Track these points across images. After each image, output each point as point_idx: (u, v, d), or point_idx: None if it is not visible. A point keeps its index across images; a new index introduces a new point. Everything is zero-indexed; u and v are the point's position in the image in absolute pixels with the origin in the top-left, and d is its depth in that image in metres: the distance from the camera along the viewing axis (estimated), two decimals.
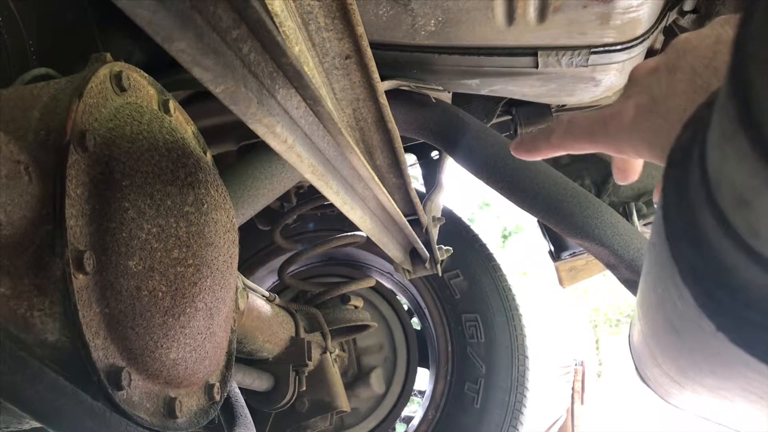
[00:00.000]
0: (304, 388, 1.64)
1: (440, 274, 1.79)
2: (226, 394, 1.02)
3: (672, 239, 0.35)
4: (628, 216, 1.98)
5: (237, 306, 1.20)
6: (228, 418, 1.07)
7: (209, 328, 0.91)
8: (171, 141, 0.89)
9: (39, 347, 0.73)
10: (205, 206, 0.89)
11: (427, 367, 2.28)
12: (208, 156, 1.05)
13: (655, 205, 0.44)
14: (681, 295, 0.34)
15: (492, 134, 1.50)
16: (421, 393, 2.36)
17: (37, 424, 0.89)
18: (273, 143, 0.74)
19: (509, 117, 1.82)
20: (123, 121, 0.84)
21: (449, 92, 1.58)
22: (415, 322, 2.40)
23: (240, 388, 1.25)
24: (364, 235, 1.79)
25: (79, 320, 0.72)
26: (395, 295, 2.37)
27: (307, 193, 2.00)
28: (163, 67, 1.47)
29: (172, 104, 0.98)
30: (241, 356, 1.45)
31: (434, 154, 1.91)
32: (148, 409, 0.82)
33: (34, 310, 0.73)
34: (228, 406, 1.08)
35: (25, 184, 0.71)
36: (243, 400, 1.13)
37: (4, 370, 0.64)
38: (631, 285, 1.41)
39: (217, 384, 0.99)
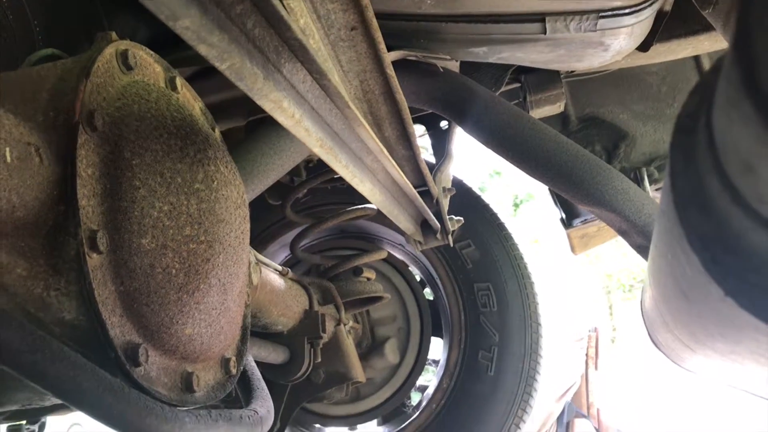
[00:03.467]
0: (320, 360, 1.66)
1: (451, 245, 1.79)
2: (242, 367, 1.04)
3: (680, 206, 0.35)
4: (639, 181, 1.97)
5: (250, 281, 1.21)
6: (245, 392, 1.09)
7: (223, 303, 0.92)
8: (179, 118, 0.89)
9: (57, 326, 0.74)
10: (215, 183, 0.89)
11: (441, 337, 2.30)
12: (217, 132, 1.05)
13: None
14: (689, 261, 0.35)
15: (501, 102, 1.49)
16: (435, 362, 2.37)
17: (57, 401, 0.91)
18: (280, 118, 0.74)
19: (518, 84, 1.80)
20: (131, 100, 0.84)
21: (457, 61, 1.56)
22: (428, 293, 2.41)
23: (256, 362, 1.26)
24: (375, 207, 1.79)
25: (95, 298, 0.73)
26: (407, 266, 2.38)
27: (316, 167, 2.00)
28: (168, 44, 1.47)
29: (179, 81, 0.98)
30: (256, 330, 1.47)
31: (443, 124, 1.90)
32: (165, 384, 0.83)
33: (51, 290, 0.74)
34: (245, 380, 1.09)
35: (37, 166, 0.71)
36: (259, 374, 1.14)
37: (25, 349, 0.65)
38: (644, 251, 1.41)
39: (233, 358, 1.00)
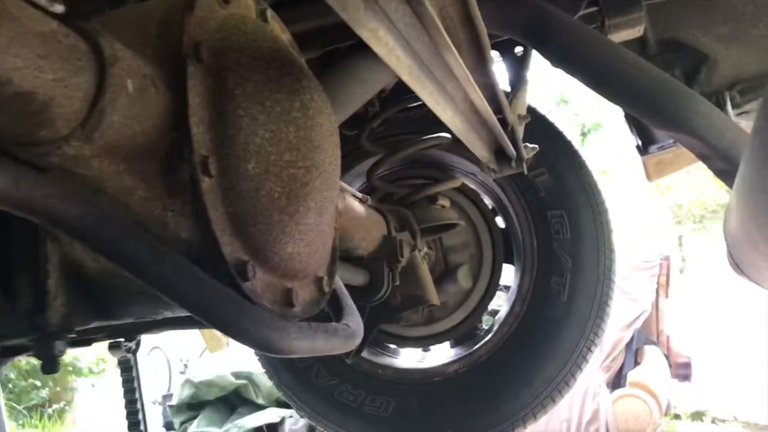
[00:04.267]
0: (397, 284, 1.73)
1: (526, 173, 1.81)
2: (333, 286, 1.11)
3: None
4: (721, 106, 1.91)
5: (336, 206, 1.26)
6: (335, 309, 1.16)
7: (319, 225, 0.98)
8: (275, 49, 0.93)
9: (174, 244, 0.81)
10: (311, 111, 0.94)
11: (513, 264, 2.33)
12: (303, 62, 1.09)
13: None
14: None
15: (580, 26, 1.47)
16: (507, 288, 2.42)
17: (170, 314, 1.00)
18: (376, 47, 0.77)
19: (596, 8, 1.76)
20: (230, 32, 0.89)
21: None
22: (500, 221, 2.44)
23: None
24: (449, 136, 1.81)
25: (209, 219, 0.79)
26: (479, 195, 2.40)
27: (390, 97, 2.02)
28: None
29: (269, 13, 1.02)
30: (339, 254, 1.54)
31: (518, 50, 1.88)
32: (269, 298, 0.90)
33: (168, 211, 0.81)
34: (335, 299, 1.16)
35: (153, 96, 0.77)
36: (347, 293, 1.21)
37: (152, 261, 0.72)
38: (725, 175, 1.40)
39: (326, 277, 1.07)
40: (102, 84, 0.67)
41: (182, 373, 6.62)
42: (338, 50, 1.72)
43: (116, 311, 0.97)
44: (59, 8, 0.64)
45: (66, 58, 0.63)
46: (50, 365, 0.90)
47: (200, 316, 0.75)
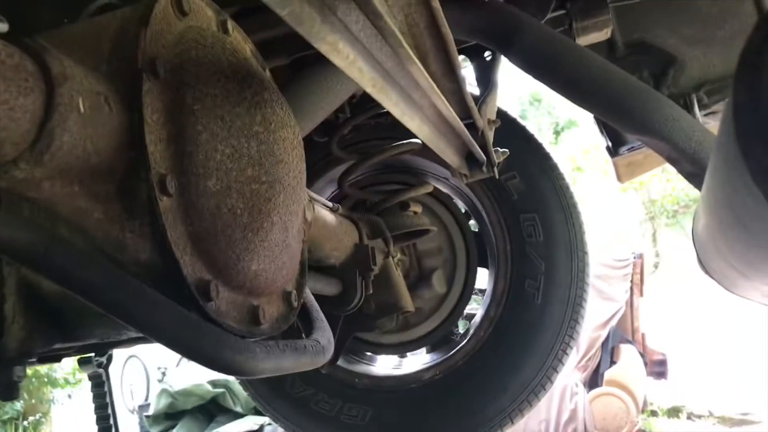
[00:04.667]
0: (371, 292, 1.71)
1: (497, 177, 1.80)
2: (302, 300, 1.09)
3: (743, 140, 0.36)
4: (689, 108, 1.93)
5: (305, 217, 1.25)
6: (305, 323, 1.14)
7: (285, 240, 0.96)
8: (234, 62, 0.91)
9: (133, 266, 0.79)
10: (273, 125, 0.92)
11: (487, 267, 2.33)
12: (267, 73, 1.07)
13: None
14: (752, 194, 0.36)
15: (547, 31, 1.47)
16: (482, 292, 2.41)
17: (134, 334, 0.97)
18: (336, 60, 0.76)
19: (563, 12, 1.76)
20: (188, 46, 0.86)
21: None
22: (473, 225, 2.44)
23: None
24: (420, 142, 1.80)
25: (168, 239, 0.77)
26: (452, 199, 2.40)
27: (360, 103, 2.01)
28: None
29: (230, 24, 0.99)
30: (310, 264, 1.52)
31: (487, 54, 1.88)
32: (235, 318, 0.88)
33: (126, 232, 0.79)
34: (304, 312, 1.14)
35: (107, 114, 0.75)
36: (318, 306, 1.19)
37: (108, 287, 0.70)
38: (693, 178, 1.40)
39: (294, 291, 1.05)
40: (50, 104, 0.65)
41: (160, 381, 6.55)
42: (308, 57, 1.70)
43: (79, 333, 0.94)
44: (3, 27, 0.62)
45: (11, 79, 0.61)
46: (9, 392, 0.87)
47: (160, 342, 0.73)
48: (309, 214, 1.31)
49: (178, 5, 0.87)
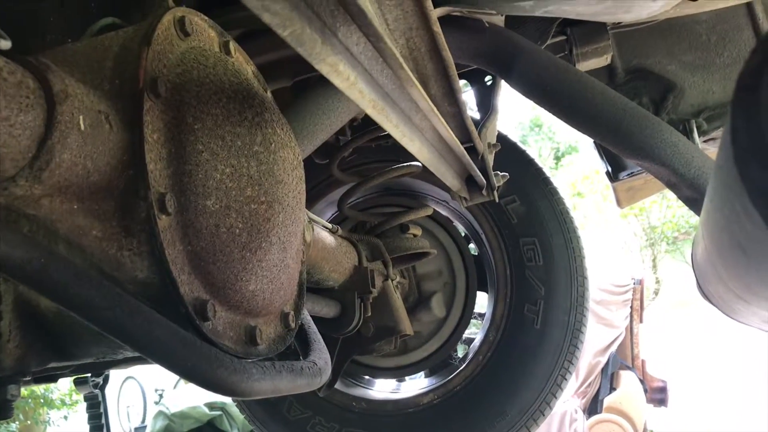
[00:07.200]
0: (369, 314, 1.71)
1: (497, 201, 1.80)
2: (300, 321, 1.08)
3: (741, 163, 0.36)
4: (688, 133, 1.93)
5: (304, 238, 1.24)
6: (303, 345, 1.13)
7: (283, 260, 0.96)
8: (236, 83, 0.92)
9: (131, 284, 0.79)
10: (273, 145, 0.92)
11: (487, 291, 2.32)
12: (269, 95, 1.08)
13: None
14: (750, 217, 0.36)
15: (547, 56, 1.48)
16: (481, 316, 2.41)
17: (130, 354, 0.96)
18: (336, 81, 0.76)
19: (564, 37, 1.78)
20: (190, 66, 0.87)
21: (502, 16, 1.55)
22: (473, 248, 2.43)
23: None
24: (420, 164, 1.80)
25: (166, 258, 0.77)
26: (452, 222, 2.40)
27: (361, 126, 2.02)
28: (214, 7, 1.49)
29: (233, 45, 1.00)
30: (309, 286, 1.52)
31: (488, 79, 1.89)
32: (231, 338, 0.88)
33: (124, 250, 0.78)
34: (302, 333, 1.14)
35: (107, 133, 0.75)
36: (315, 328, 1.19)
37: (105, 305, 0.69)
38: (693, 203, 1.40)
39: (292, 312, 1.04)
40: (51, 121, 0.65)
41: (157, 403, 6.50)
42: (310, 79, 1.72)
43: (75, 351, 0.93)
44: (5, 44, 0.62)
45: (12, 96, 0.61)
46: (3, 411, 0.87)
47: (156, 362, 0.73)
48: (308, 235, 1.31)
49: (181, 26, 0.88)
